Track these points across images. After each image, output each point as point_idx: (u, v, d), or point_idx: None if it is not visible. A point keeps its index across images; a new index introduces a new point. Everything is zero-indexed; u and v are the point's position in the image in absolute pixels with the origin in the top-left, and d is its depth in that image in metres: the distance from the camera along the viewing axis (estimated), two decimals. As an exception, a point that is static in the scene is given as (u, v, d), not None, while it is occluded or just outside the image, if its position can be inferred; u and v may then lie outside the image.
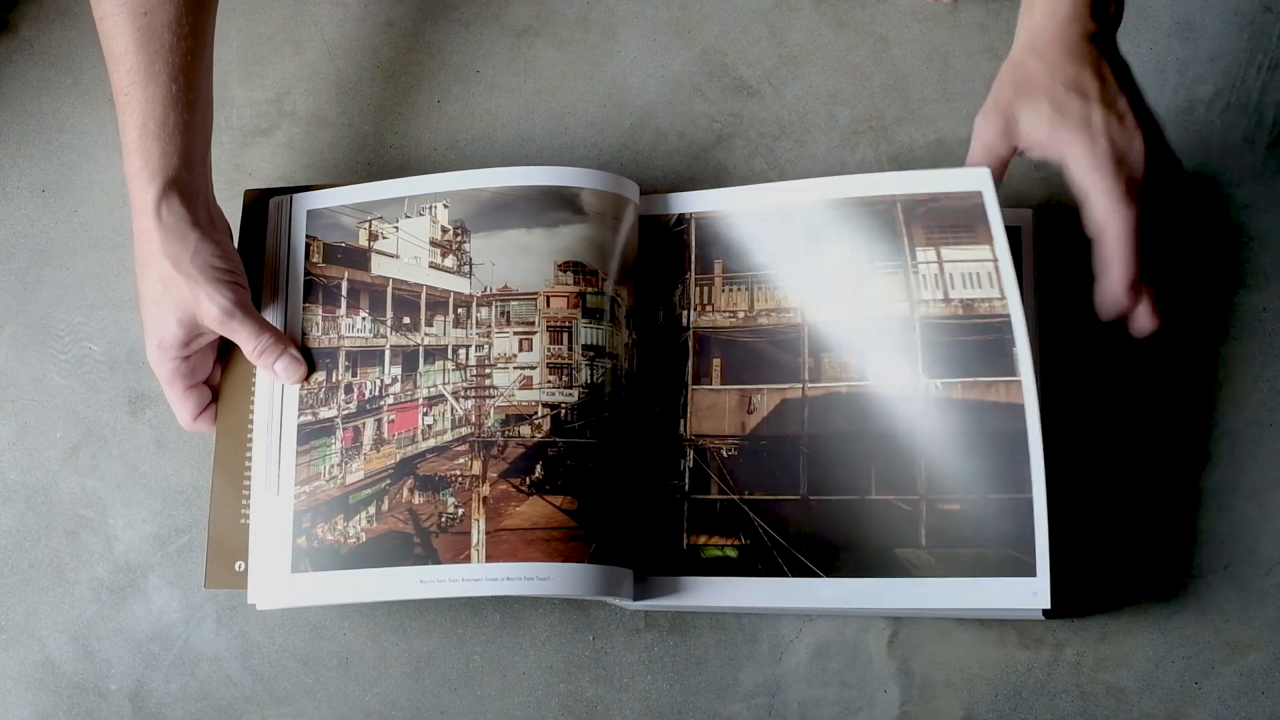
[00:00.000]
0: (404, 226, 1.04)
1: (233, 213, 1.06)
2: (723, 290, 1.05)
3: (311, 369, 1.03)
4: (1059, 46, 0.97)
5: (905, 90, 1.14)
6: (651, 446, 1.03)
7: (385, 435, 1.02)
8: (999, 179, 0.99)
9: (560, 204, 1.03)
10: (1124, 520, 1.06)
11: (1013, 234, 1.07)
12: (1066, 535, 1.05)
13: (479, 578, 0.98)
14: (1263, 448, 1.07)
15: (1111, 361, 1.08)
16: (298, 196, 1.06)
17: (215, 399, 1.04)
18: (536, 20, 1.16)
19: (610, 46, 1.15)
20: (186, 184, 0.98)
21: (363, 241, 1.05)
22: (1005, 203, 1.10)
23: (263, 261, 1.05)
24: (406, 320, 1.04)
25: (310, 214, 1.06)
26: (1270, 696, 1.03)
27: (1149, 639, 1.04)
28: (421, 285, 1.04)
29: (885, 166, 1.12)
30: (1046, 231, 1.10)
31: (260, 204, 1.07)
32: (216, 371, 1.04)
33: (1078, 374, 1.08)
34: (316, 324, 1.04)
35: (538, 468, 1.00)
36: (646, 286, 1.06)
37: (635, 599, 1.01)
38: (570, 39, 1.15)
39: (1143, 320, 0.98)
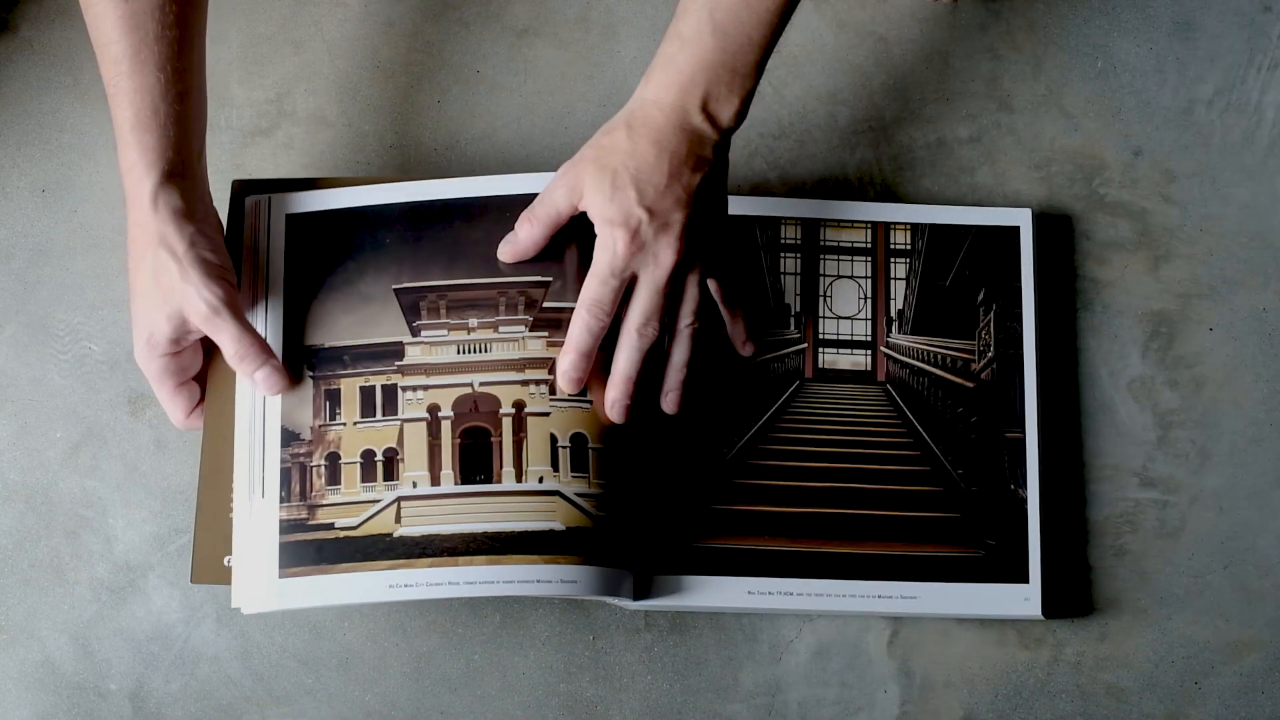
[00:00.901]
0: None
1: (227, 213, 1.06)
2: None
3: (295, 382, 1.01)
4: (651, 132, 0.96)
5: (905, 90, 1.14)
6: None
7: None
8: (544, 241, 0.99)
9: None
10: (1123, 520, 1.06)
11: (1011, 234, 1.08)
12: (1066, 535, 1.06)
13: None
14: (1263, 448, 1.07)
15: (1111, 360, 1.08)
16: (276, 200, 1.05)
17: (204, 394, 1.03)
18: (536, 20, 1.16)
19: (610, 46, 1.15)
20: (182, 177, 0.97)
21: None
22: (1003, 202, 1.10)
23: (249, 264, 1.04)
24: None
25: (290, 218, 1.05)
26: (1270, 696, 1.03)
27: (1149, 639, 1.04)
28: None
29: (885, 167, 1.12)
30: (1045, 230, 1.10)
31: (245, 195, 1.06)
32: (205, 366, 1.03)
33: (1076, 372, 1.08)
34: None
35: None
36: None
37: (636, 599, 1.01)
38: (570, 39, 1.15)
39: (608, 410, 0.99)
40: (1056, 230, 1.10)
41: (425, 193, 1.04)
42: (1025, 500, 1.03)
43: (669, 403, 1.01)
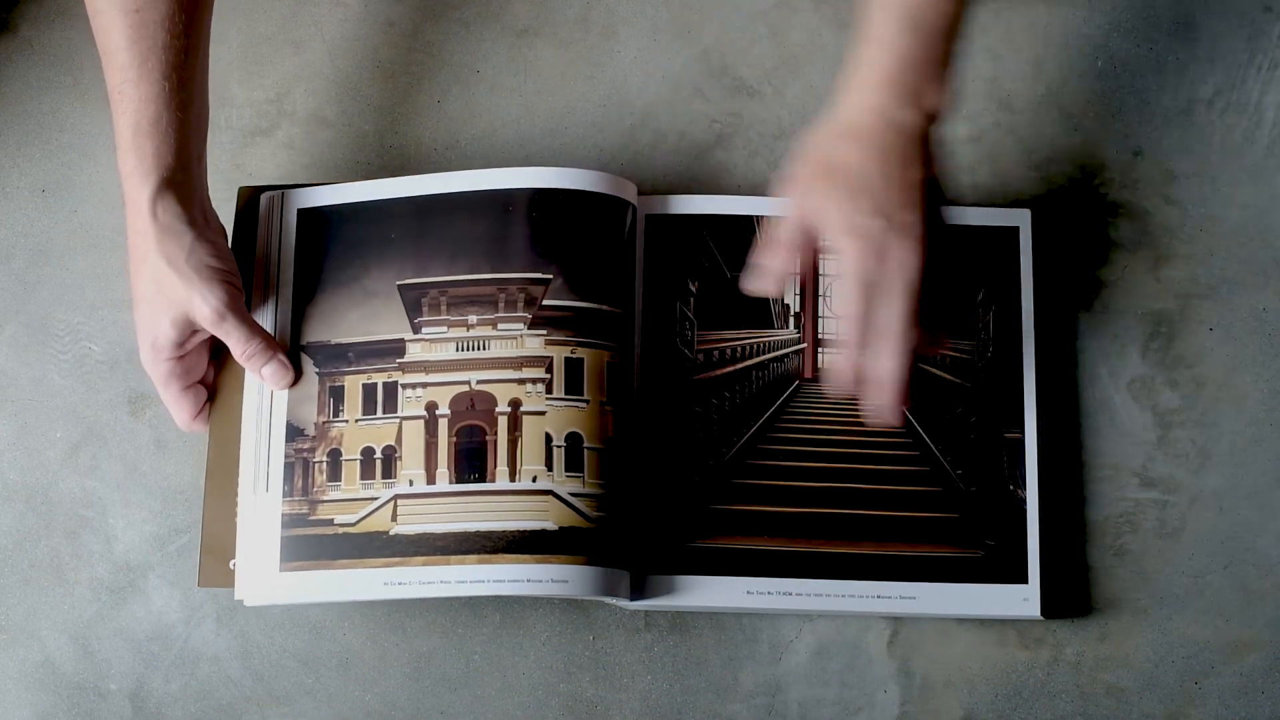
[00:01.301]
0: None
1: (229, 214, 1.06)
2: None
3: (299, 377, 1.03)
4: (870, 138, 0.92)
5: (905, 90, 1.14)
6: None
7: None
8: (793, 264, 0.94)
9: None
10: (1123, 520, 1.06)
11: (1010, 234, 1.08)
12: (1066, 534, 1.06)
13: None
14: (1263, 448, 1.07)
15: (1111, 360, 1.08)
16: (289, 194, 1.06)
17: (211, 398, 1.04)
18: (536, 20, 1.16)
19: (610, 46, 1.15)
20: (181, 183, 0.98)
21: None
22: (1004, 203, 1.10)
23: (254, 261, 1.05)
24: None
25: (301, 213, 1.06)
26: (1270, 696, 1.03)
27: (1149, 639, 1.04)
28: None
29: (885, 166, 1.12)
30: (1045, 230, 1.10)
31: (254, 201, 1.07)
32: (211, 370, 1.04)
33: (1075, 372, 1.08)
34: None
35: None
36: (661, 287, 1.06)
37: (632, 599, 1.01)
38: (570, 39, 1.15)
39: (882, 414, 0.93)
40: (1056, 230, 1.10)
41: (433, 186, 1.05)
42: (1024, 501, 1.03)
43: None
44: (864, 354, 0.92)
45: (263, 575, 1.00)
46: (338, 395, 1.02)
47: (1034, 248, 1.08)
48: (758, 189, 1.11)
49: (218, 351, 1.04)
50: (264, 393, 1.02)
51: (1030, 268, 1.07)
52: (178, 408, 1.02)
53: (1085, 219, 1.11)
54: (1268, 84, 1.13)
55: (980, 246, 1.07)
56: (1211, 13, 1.14)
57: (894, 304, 0.91)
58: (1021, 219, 1.08)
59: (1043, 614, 1.02)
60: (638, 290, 1.06)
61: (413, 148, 1.13)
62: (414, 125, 1.14)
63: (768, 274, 0.95)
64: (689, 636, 1.05)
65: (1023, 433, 1.04)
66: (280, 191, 1.06)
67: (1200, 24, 1.14)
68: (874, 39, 0.93)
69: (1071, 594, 1.04)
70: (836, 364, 0.93)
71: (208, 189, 1.02)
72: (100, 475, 1.08)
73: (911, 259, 0.91)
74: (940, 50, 0.93)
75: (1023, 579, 1.02)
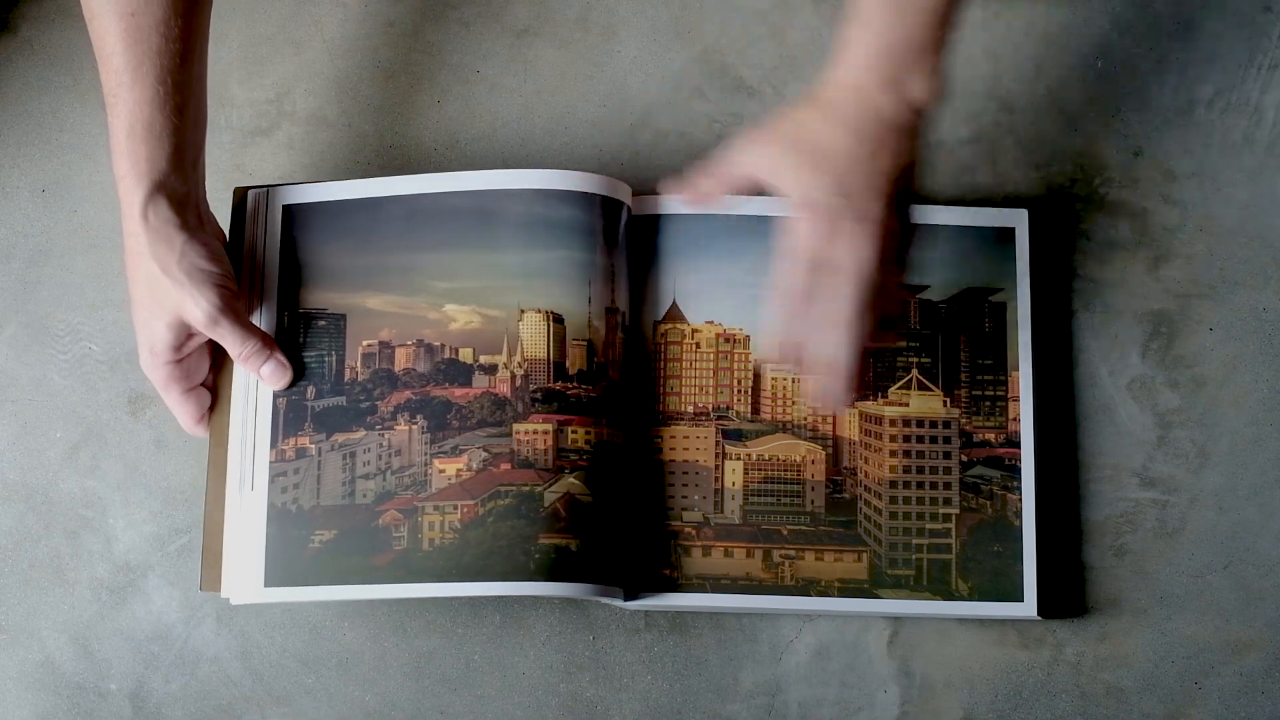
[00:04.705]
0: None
1: (229, 215, 1.06)
2: None
3: (298, 375, 1.02)
4: (845, 118, 0.90)
5: (905, 90, 1.14)
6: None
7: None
8: (720, 197, 0.96)
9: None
10: (1123, 519, 1.06)
11: (1007, 234, 1.07)
12: (1066, 534, 1.06)
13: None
14: (1263, 448, 1.07)
15: (1111, 360, 1.08)
16: (274, 192, 1.05)
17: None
18: (536, 20, 1.16)
19: (610, 46, 1.15)
20: (174, 187, 0.97)
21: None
22: (1004, 203, 1.10)
23: (249, 260, 1.05)
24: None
25: (286, 209, 1.05)
26: (1270, 696, 1.03)
27: (1149, 639, 1.04)
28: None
29: (885, 166, 1.12)
30: (1044, 230, 1.10)
31: (245, 201, 1.06)
32: (213, 374, 1.03)
33: (1073, 373, 1.08)
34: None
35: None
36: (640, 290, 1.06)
37: (632, 599, 1.01)
38: (570, 39, 1.15)
39: (827, 399, 0.94)
40: (1056, 231, 1.10)
41: (420, 186, 1.04)
42: (1020, 505, 1.03)
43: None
44: (807, 334, 0.91)
45: (250, 574, 0.99)
46: None
47: (1031, 248, 1.07)
48: (758, 188, 1.11)
49: (218, 353, 1.03)
50: (250, 391, 1.02)
51: (1027, 268, 1.07)
52: (182, 411, 1.01)
53: (1085, 219, 1.11)
54: (1268, 84, 1.13)
55: (976, 247, 1.07)
56: (1211, 13, 1.14)
57: (841, 288, 0.90)
58: (1019, 219, 1.07)
59: (1039, 615, 1.01)
60: (626, 291, 1.05)
61: (413, 148, 1.13)
62: (414, 125, 1.14)
63: (703, 197, 0.96)
64: (689, 636, 1.05)
65: (1019, 435, 1.04)
66: (265, 189, 1.05)
67: (1200, 24, 1.14)
68: (860, 19, 0.91)
69: (1067, 596, 1.04)
70: (778, 339, 0.92)
71: (205, 192, 1.01)
72: (100, 475, 1.08)
73: (867, 247, 0.89)
74: (928, 37, 0.90)
75: (1018, 599, 1.02)
